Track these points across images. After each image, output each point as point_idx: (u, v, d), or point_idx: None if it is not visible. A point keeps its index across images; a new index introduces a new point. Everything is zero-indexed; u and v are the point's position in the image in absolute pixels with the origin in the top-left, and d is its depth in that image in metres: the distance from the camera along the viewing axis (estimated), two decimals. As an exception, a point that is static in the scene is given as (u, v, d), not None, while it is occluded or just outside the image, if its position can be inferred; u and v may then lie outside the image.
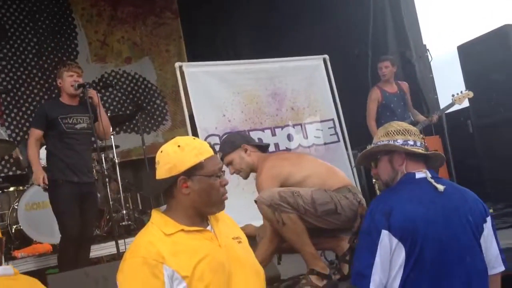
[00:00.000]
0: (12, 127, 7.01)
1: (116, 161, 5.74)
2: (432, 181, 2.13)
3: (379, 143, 2.25)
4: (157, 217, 1.92)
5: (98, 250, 4.76)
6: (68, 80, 4.16)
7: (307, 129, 5.31)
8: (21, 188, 5.26)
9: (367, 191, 5.59)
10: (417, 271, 1.98)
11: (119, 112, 7.54)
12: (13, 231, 5.01)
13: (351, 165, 5.25)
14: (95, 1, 7.81)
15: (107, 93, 7.63)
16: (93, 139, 4.27)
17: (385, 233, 1.99)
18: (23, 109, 7.12)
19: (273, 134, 5.14)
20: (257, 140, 4.43)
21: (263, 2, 7.42)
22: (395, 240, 1.99)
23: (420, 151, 2.19)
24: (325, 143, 5.36)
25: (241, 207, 3.72)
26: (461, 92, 5.26)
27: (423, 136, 2.29)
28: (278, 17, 7.27)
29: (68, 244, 4.03)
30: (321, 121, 5.40)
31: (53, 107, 4.23)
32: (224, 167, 2.79)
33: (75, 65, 4.35)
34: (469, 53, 5.70)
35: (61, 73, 4.21)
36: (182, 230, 1.86)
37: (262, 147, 3.50)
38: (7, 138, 6.02)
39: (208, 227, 1.94)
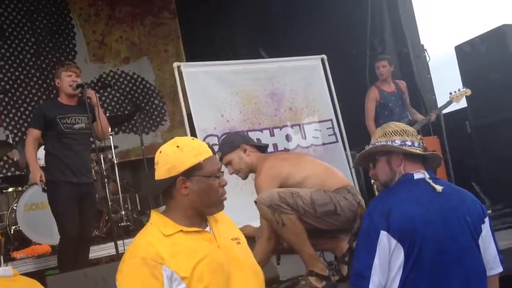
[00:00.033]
0: (10, 127, 7.00)
1: (115, 161, 5.74)
2: (430, 181, 2.14)
3: (377, 143, 2.25)
4: (156, 217, 1.92)
5: (97, 251, 4.76)
6: (67, 80, 4.16)
7: (305, 129, 5.30)
8: (20, 188, 5.25)
9: (366, 192, 5.59)
10: (416, 271, 1.99)
11: (117, 112, 7.53)
12: (12, 232, 5.01)
13: (349, 166, 5.25)
14: (93, 1, 7.80)
15: (106, 93, 7.61)
16: (91, 139, 4.27)
17: (384, 234, 2.00)
18: (22, 109, 7.11)
19: (272, 135, 5.13)
20: (255, 141, 4.43)
21: (261, 2, 7.42)
22: (394, 241, 1.99)
23: (418, 151, 2.20)
24: (323, 144, 5.35)
25: (240, 208, 3.72)
26: (459, 89, 5.26)
27: (421, 137, 2.30)
28: (276, 17, 7.27)
29: (68, 245, 4.03)
30: (320, 122, 5.39)
31: (51, 107, 4.23)
32: (223, 168, 2.79)
33: (73, 65, 4.35)
34: (466, 53, 5.71)
35: (59, 73, 4.21)
36: (181, 231, 1.86)
37: (261, 148, 3.49)
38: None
39: (207, 228, 1.94)
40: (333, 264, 3.31)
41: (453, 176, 5.68)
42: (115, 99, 7.76)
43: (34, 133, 4.12)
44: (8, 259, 4.66)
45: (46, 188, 4.07)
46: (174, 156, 1.88)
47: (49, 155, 4.18)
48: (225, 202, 1.96)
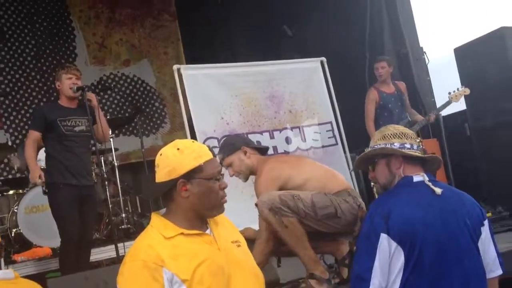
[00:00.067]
0: (10, 130, 7.00)
1: (115, 164, 5.74)
2: (430, 184, 2.14)
3: (376, 146, 2.25)
4: (156, 220, 1.93)
5: (98, 254, 4.75)
6: (67, 83, 4.16)
7: (305, 132, 5.31)
8: (20, 191, 5.24)
9: (366, 194, 5.60)
10: (416, 274, 1.99)
11: (118, 115, 7.52)
12: (12, 234, 5.01)
13: (349, 168, 5.25)
14: (93, 4, 7.81)
15: (106, 96, 7.63)
16: (92, 141, 4.27)
17: (384, 237, 2.00)
18: (22, 112, 7.11)
19: (272, 137, 5.14)
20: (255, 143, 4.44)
21: (260, 5, 7.43)
22: (394, 244, 1.99)
23: (417, 154, 2.20)
24: (323, 146, 5.36)
25: (240, 210, 3.73)
26: (458, 89, 5.27)
27: (420, 139, 2.29)
28: (275, 19, 7.28)
29: (69, 247, 4.03)
30: (319, 124, 5.40)
31: (51, 109, 4.23)
32: (224, 170, 2.80)
33: (74, 68, 4.35)
34: (465, 55, 5.71)
35: (59, 76, 4.21)
36: (182, 233, 1.87)
37: (262, 150, 3.50)
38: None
39: (208, 231, 1.95)
40: (334, 267, 3.32)
41: (452, 179, 5.69)
42: (116, 101, 7.77)
43: (34, 135, 4.12)
44: (9, 262, 4.65)
45: (47, 191, 4.07)
46: (175, 158, 1.89)
47: (49, 157, 4.18)
48: (225, 205, 1.97)
